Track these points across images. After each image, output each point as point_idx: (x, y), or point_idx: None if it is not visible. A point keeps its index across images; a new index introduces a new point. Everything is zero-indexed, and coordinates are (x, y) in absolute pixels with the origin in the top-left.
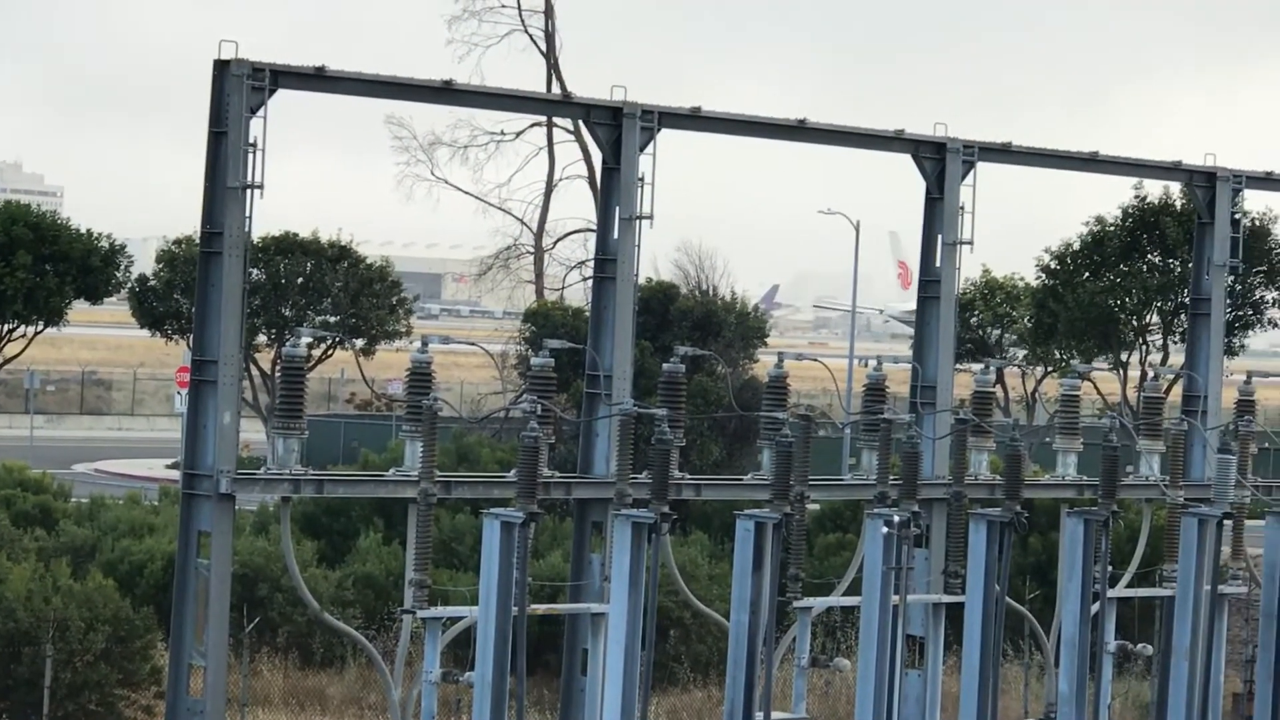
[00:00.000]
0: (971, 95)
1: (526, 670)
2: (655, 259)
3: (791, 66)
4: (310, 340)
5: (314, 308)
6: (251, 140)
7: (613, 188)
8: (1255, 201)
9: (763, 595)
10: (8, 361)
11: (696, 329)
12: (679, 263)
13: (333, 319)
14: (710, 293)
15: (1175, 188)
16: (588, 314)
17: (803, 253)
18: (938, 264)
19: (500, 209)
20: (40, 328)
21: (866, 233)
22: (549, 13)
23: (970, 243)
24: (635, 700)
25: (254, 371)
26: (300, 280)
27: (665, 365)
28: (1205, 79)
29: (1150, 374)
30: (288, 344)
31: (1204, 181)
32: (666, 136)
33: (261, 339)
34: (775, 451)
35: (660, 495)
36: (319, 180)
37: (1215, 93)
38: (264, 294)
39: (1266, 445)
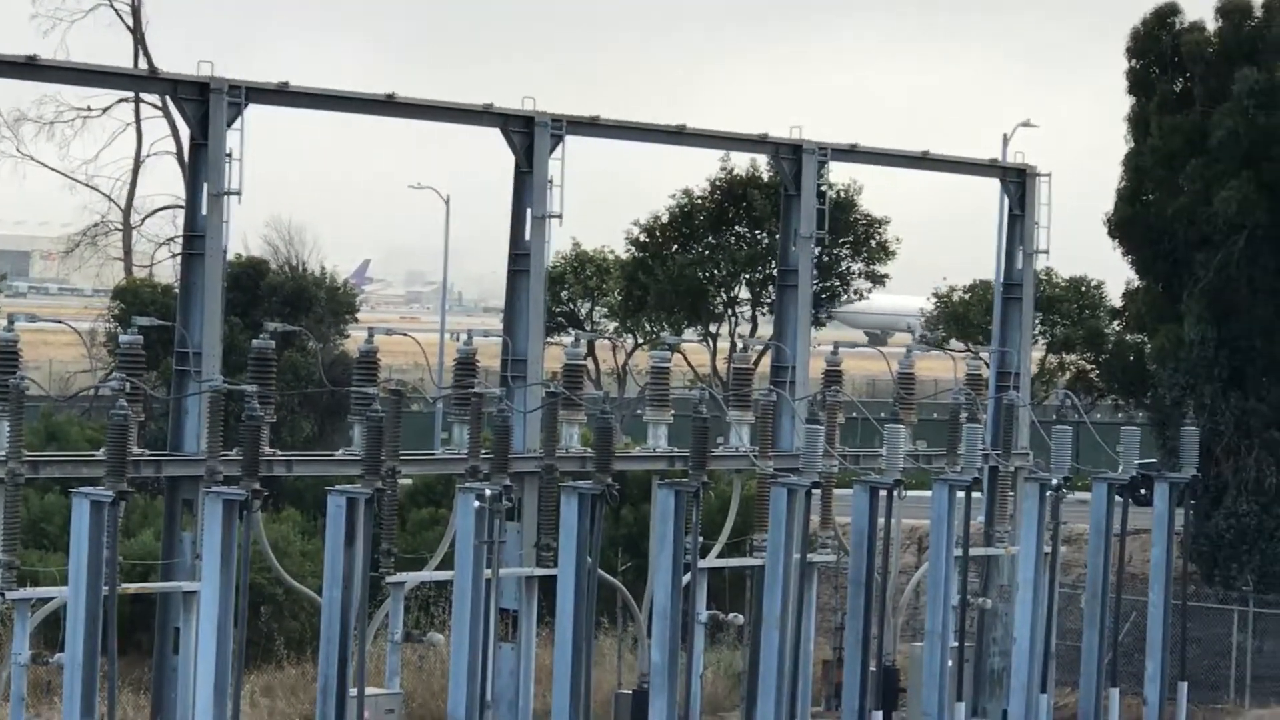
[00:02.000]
0: (562, 69)
1: (118, 650)
2: (245, 235)
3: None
4: None
5: None
6: None
7: (201, 164)
8: (840, 174)
9: (355, 571)
10: None
11: (287, 305)
12: (269, 238)
13: None
14: (301, 268)
15: (763, 160)
16: (177, 291)
17: (395, 228)
18: (527, 237)
19: (88, 186)
20: None
21: (456, 207)
22: None
23: (559, 216)
24: (228, 678)
25: None
26: None
27: (255, 341)
28: (786, 48)
29: (739, 345)
30: None
31: (790, 154)
32: (256, 111)
33: None
34: (366, 427)
35: (251, 472)
36: None
37: (798, 64)
38: None
39: (854, 415)
